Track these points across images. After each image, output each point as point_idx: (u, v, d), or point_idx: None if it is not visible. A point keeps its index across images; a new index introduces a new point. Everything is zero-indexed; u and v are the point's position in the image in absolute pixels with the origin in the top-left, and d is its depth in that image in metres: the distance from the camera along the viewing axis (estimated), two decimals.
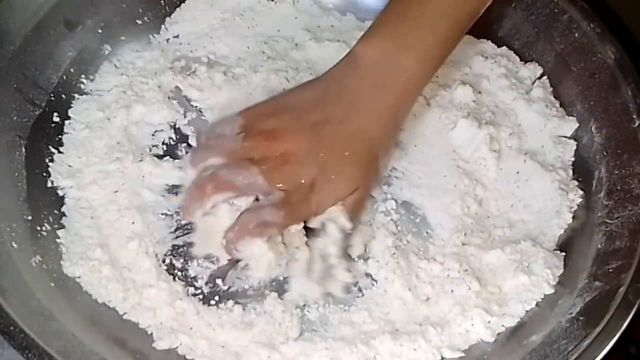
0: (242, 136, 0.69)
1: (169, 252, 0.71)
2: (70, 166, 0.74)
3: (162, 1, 0.85)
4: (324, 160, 0.68)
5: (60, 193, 0.73)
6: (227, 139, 0.70)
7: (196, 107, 0.80)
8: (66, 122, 0.77)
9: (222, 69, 0.82)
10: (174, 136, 0.78)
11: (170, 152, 0.77)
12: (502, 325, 0.68)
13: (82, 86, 0.80)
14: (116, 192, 0.74)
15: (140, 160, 0.75)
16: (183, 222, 0.73)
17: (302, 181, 0.67)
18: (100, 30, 0.82)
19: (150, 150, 0.77)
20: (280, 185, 0.67)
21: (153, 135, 0.78)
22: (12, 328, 0.57)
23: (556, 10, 0.81)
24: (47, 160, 0.74)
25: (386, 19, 0.71)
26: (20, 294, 0.61)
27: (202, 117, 0.80)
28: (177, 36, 0.86)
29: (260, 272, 0.69)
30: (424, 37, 0.69)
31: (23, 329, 0.57)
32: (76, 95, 0.79)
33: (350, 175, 0.69)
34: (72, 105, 0.78)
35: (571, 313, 0.65)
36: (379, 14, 0.72)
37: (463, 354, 0.67)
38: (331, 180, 0.68)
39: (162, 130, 0.79)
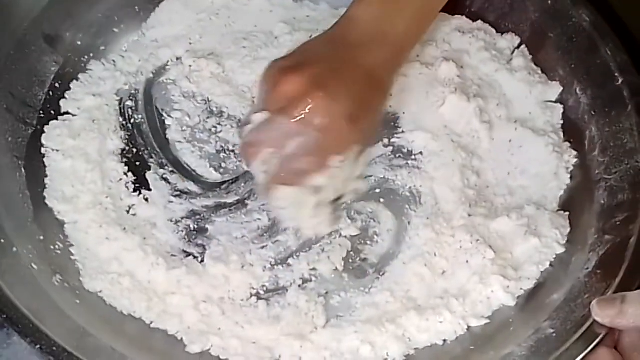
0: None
1: (183, 255, 0.72)
2: (63, 192, 0.73)
3: (137, 7, 0.85)
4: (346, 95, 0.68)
5: (59, 217, 0.72)
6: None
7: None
8: (42, 149, 0.75)
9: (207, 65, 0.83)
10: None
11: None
12: (521, 289, 0.70)
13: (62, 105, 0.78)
14: (115, 211, 0.74)
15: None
16: (193, 226, 0.73)
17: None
18: (79, 42, 0.81)
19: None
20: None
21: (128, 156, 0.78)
22: (54, 349, 0.57)
23: None
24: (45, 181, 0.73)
25: None
26: (53, 314, 0.61)
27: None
28: (156, 40, 0.85)
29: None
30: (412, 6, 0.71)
31: (66, 349, 0.57)
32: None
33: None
34: (45, 131, 0.76)
35: (587, 268, 0.67)
36: None
37: (488, 321, 0.68)
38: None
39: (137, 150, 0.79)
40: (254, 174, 0.71)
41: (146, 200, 0.75)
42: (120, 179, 0.76)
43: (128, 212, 0.74)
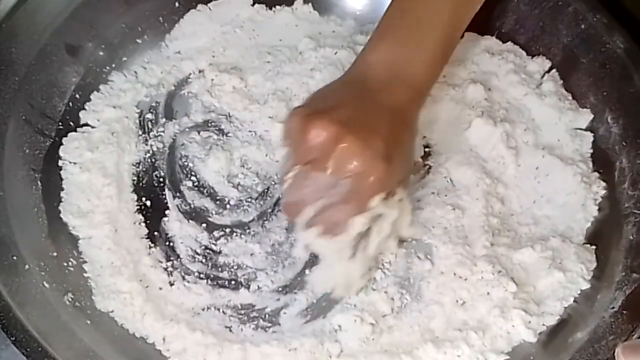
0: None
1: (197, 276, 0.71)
2: (79, 206, 0.72)
3: (161, 18, 0.84)
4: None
5: (74, 233, 0.71)
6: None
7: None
8: (59, 162, 0.74)
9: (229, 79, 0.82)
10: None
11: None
12: (543, 325, 0.68)
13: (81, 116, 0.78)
14: (134, 223, 0.73)
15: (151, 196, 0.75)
16: (208, 245, 0.72)
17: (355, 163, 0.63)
18: (101, 53, 0.80)
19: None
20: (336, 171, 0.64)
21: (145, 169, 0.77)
22: None
23: (560, 3, 0.81)
24: (61, 194, 0.73)
25: (389, 24, 0.71)
26: (62, 336, 0.60)
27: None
28: (179, 52, 0.84)
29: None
30: (427, 39, 0.69)
31: None
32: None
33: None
34: (63, 142, 0.75)
35: (613, 307, 0.65)
36: (382, 18, 0.72)
37: (508, 357, 0.67)
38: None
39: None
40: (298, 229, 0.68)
41: (163, 217, 0.74)
42: (136, 195, 0.75)
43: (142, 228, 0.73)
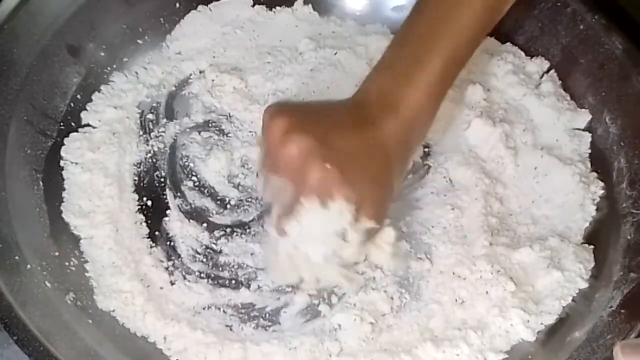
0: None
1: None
2: (80, 206, 0.73)
3: (162, 19, 0.84)
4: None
5: (75, 232, 0.71)
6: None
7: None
8: (61, 162, 0.75)
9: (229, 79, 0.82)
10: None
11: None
12: (541, 324, 0.68)
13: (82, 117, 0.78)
14: (135, 223, 0.73)
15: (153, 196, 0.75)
16: (209, 244, 0.73)
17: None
18: (102, 54, 0.80)
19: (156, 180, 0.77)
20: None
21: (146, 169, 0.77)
22: None
23: (559, 4, 0.81)
24: (62, 194, 0.73)
25: (390, 55, 0.70)
26: (64, 336, 0.60)
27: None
28: (179, 53, 0.85)
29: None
30: (423, 74, 0.68)
31: None
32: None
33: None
34: (65, 143, 0.76)
35: (611, 306, 0.66)
36: (385, 51, 0.71)
37: (506, 355, 0.67)
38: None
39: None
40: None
41: (164, 217, 0.74)
42: (137, 195, 0.75)
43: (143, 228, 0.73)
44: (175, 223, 0.74)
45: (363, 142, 0.64)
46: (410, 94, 0.67)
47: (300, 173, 0.62)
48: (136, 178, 0.76)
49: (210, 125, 0.80)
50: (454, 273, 0.71)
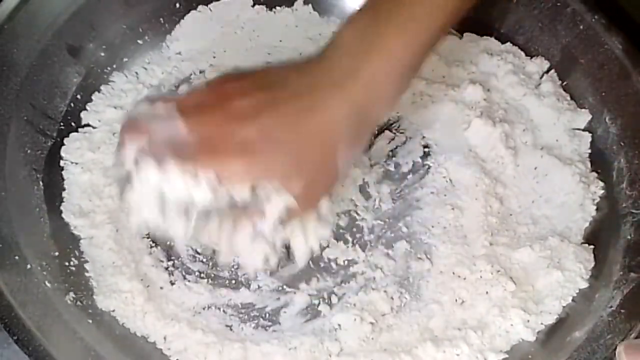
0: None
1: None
2: (80, 206, 0.73)
3: (162, 19, 0.84)
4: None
5: (75, 232, 0.71)
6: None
7: None
8: (61, 162, 0.75)
9: None
10: None
11: None
12: (541, 323, 0.68)
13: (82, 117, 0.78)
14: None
15: None
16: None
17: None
18: (102, 54, 0.80)
19: None
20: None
21: None
22: None
23: (559, 4, 0.81)
24: (62, 194, 0.73)
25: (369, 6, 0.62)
26: (64, 336, 0.60)
27: None
28: (179, 53, 0.84)
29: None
30: (407, 19, 0.61)
31: None
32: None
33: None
34: (65, 143, 0.76)
35: (611, 306, 0.66)
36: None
37: (506, 355, 0.67)
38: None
39: None
40: None
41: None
42: None
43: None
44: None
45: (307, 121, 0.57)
46: (389, 41, 0.59)
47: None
48: None
49: None
50: (454, 273, 0.71)
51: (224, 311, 0.69)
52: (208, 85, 0.59)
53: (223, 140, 0.55)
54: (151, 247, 0.72)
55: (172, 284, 0.70)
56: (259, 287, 0.71)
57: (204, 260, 0.72)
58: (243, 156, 0.55)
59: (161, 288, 0.70)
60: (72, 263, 0.68)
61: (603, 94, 0.79)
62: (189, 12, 0.85)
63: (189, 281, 0.70)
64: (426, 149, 0.79)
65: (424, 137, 0.80)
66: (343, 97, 0.58)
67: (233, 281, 0.71)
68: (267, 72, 0.60)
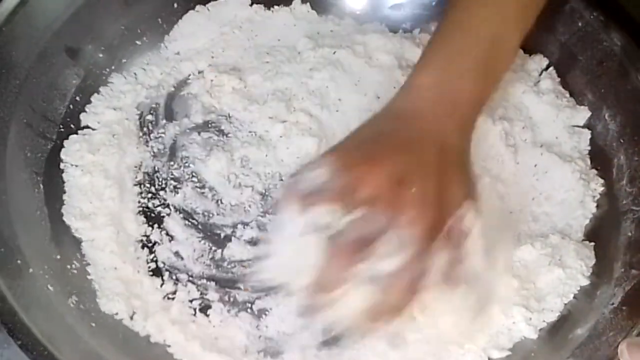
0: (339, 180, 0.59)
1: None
2: (81, 209, 0.73)
3: (160, 19, 0.84)
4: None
5: (76, 235, 0.71)
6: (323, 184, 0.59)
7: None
8: (61, 165, 0.74)
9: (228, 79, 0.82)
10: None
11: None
12: (543, 321, 0.69)
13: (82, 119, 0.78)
14: (136, 224, 0.74)
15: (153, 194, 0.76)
16: (209, 247, 0.73)
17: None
18: (101, 55, 0.80)
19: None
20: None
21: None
22: None
23: (557, 1, 0.81)
24: (63, 197, 0.73)
25: (437, 48, 0.68)
26: (67, 339, 0.60)
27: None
28: (178, 53, 0.84)
29: None
30: (474, 68, 0.66)
31: None
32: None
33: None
34: (64, 145, 0.75)
35: (613, 304, 0.66)
36: (428, 43, 0.69)
37: (509, 353, 0.67)
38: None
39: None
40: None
41: (165, 218, 0.74)
42: (138, 196, 0.75)
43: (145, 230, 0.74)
44: (176, 224, 0.74)
45: (432, 150, 0.61)
46: (464, 86, 0.65)
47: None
48: (136, 180, 0.76)
49: (209, 125, 0.80)
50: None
51: (228, 310, 0.69)
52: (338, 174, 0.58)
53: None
54: (153, 249, 0.72)
55: (175, 285, 0.70)
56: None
57: (206, 261, 0.72)
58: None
59: (164, 290, 0.70)
60: (73, 266, 0.68)
61: (602, 90, 0.79)
62: (186, 12, 0.85)
63: (191, 282, 0.70)
64: None
65: None
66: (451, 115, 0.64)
67: (235, 282, 0.71)
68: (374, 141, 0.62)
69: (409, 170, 0.59)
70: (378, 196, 0.57)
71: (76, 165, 0.75)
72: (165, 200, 0.75)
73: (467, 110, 0.65)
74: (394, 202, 0.57)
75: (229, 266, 0.72)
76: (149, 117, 0.80)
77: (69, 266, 0.68)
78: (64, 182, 0.73)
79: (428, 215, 0.58)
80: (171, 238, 0.73)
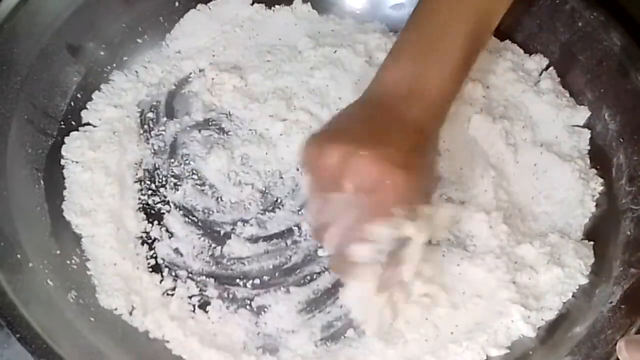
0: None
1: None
2: (81, 205, 0.73)
3: (161, 17, 0.84)
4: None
5: (77, 231, 0.72)
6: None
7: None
8: (61, 161, 0.75)
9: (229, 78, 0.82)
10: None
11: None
12: (542, 319, 0.69)
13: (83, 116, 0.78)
14: (136, 221, 0.74)
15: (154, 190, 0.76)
16: (209, 244, 0.73)
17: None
18: (102, 53, 0.80)
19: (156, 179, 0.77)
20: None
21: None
22: None
23: (557, 1, 0.81)
24: (63, 193, 0.73)
25: (404, 41, 0.69)
26: (66, 333, 0.60)
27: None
28: (179, 51, 0.85)
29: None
30: (443, 55, 0.67)
31: None
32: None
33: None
34: (65, 142, 0.76)
35: (611, 302, 0.66)
36: (398, 36, 0.70)
37: (508, 351, 0.67)
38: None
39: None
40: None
41: (165, 215, 0.74)
42: (138, 193, 0.75)
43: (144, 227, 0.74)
44: (176, 221, 0.74)
45: (400, 128, 0.62)
46: (432, 77, 0.66)
47: (372, 183, 0.60)
48: (137, 177, 0.76)
49: (210, 123, 0.80)
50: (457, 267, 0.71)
51: (227, 307, 0.69)
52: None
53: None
54: (152, 246, 0.72)
55: (174, 281, 0.70)
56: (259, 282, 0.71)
57: (205, 258, 0.72)
58: None
59: (163, 286, 0.70)
60: (73, 261, 0.68)
61: (602, 90, 0.79)
62: (188, 10, 0.85)
63: (190, 279, 0.70)
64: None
65: None
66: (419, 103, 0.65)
67: (235, 279, 0.71)
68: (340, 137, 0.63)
69: (372, 137, 0.61)
70: (339, 170, 0.60)
71: (77, 162, 0.75)
72: (165, 197, 0.75)
73: (436, 102, 0.66)
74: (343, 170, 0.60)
75: (229, 263, 0.72)
76: (150, 115, 0.80)
77: (68, 261, 0.68)
78: (64, 179, 0.74)
79: (393, 176, 0.60)
80: (171, 235, 0.73)
